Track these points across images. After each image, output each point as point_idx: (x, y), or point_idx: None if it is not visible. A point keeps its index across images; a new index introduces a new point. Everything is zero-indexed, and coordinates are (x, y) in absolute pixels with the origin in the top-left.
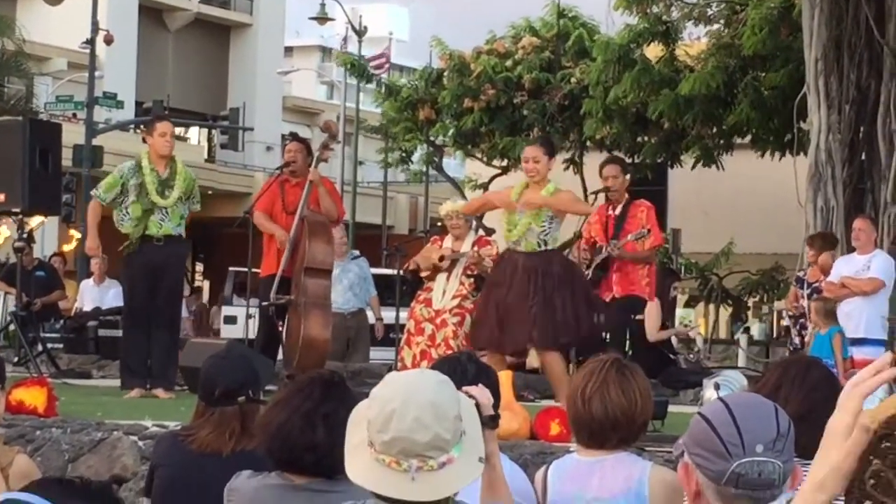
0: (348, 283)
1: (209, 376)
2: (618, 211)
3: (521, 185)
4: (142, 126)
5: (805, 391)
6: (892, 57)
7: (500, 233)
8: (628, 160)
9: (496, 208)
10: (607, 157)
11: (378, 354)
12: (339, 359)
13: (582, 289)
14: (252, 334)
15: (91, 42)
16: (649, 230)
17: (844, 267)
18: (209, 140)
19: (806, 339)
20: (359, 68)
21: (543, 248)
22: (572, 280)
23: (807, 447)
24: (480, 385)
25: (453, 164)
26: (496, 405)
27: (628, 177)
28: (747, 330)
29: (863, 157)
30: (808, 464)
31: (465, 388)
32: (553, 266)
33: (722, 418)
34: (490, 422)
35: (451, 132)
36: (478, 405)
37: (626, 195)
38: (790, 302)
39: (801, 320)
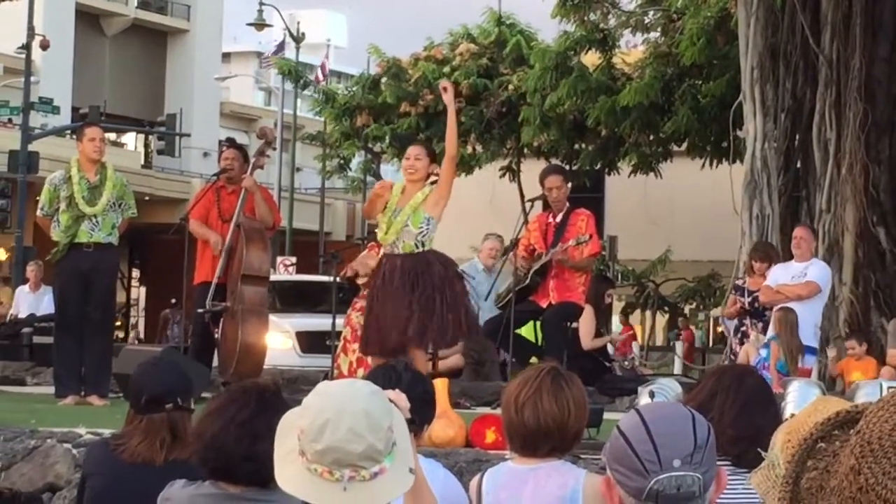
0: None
1: (137, 383)
2: (558, 219)
3: (399, 188)
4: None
5: (740, 400)
6: (828, 65)
7: (453, 241)
8: (565, 167)
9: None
10: (549, 167)
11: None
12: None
13: (460, 288)
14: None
15: (27, 47)
16: (590, 236)
17: (782, 273)
18: (146, 146)
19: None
20: (295, 74)
21: (421, 248)
22: (451, 279)
23: (741, 455)
24: (397, 389)
25: (391, 170)
26: (432, 413)
27: (570, 185)
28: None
29: (798, 165)
30: (743, 472)
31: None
32: (433, 266)
33: (638, 435)
34: (408, 426)
35: (387, 137)
36: None
37: (567, 203)
38: (729, 308)
39: (742, 328)
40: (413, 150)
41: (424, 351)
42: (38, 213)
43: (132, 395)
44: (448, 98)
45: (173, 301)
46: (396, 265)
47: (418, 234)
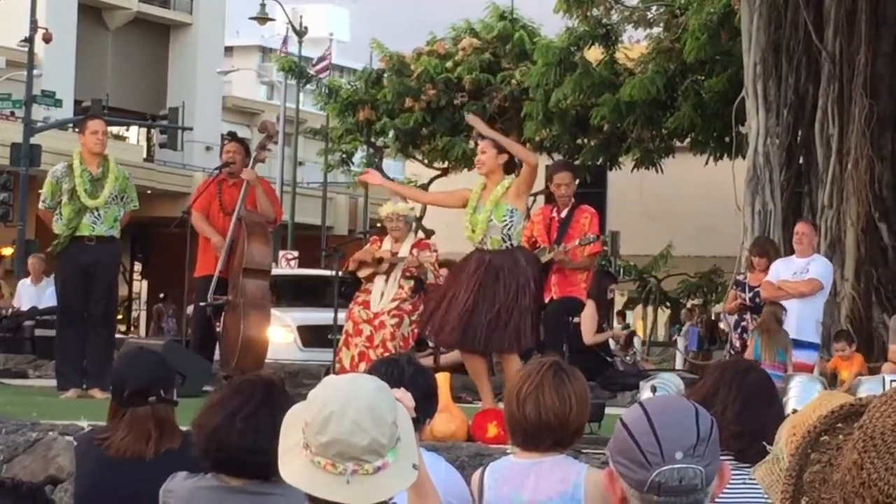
0: None
1: (119, 375)
2: (563, 214)
3: (480, 184)
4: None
5: (743, 395)
6: (830, 61)
7: (457, 235)
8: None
9: (447, 206)
10: (559, 163)
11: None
12: None
13: (537, 292)
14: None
15: (30, 40)
16: (597, 237)
17: (783, 269)
18: (148, 139)
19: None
20: (297, 71)
21: (508, 243)
22: (533, 280)
23: (743, 451)
24: (402, 388)
25: (393, 165)
26: (433, 407)
27: (577, 181)
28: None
29: (800, 161)
30: (745, 467)
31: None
32: (519, 263)
33: (641, 427)
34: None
35: (391, 132)
36: None
37: (572, 199)
38: (729, 304)
39: (743, 324)
40: (480, 145)
41: (519, 351)
42: (40, 205)
43: (114, 389)
44: (480, 127)
45: (161, 295)
46: (485, 261)
47: (503, 227)
